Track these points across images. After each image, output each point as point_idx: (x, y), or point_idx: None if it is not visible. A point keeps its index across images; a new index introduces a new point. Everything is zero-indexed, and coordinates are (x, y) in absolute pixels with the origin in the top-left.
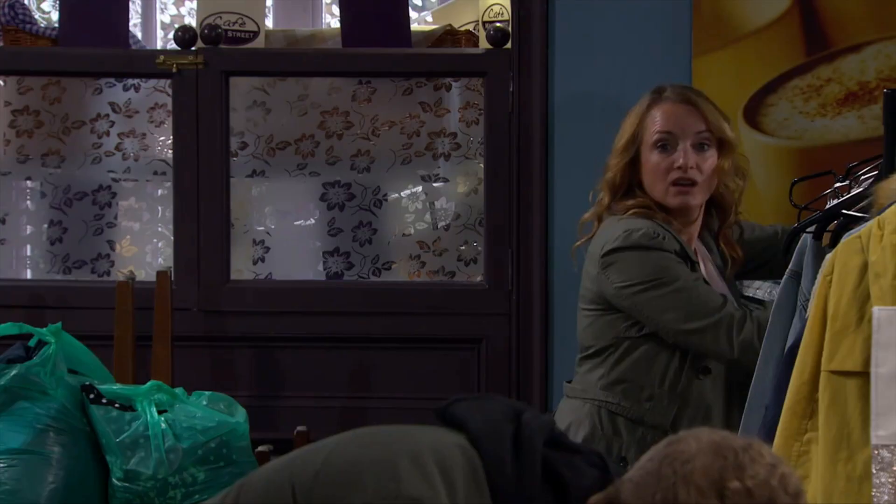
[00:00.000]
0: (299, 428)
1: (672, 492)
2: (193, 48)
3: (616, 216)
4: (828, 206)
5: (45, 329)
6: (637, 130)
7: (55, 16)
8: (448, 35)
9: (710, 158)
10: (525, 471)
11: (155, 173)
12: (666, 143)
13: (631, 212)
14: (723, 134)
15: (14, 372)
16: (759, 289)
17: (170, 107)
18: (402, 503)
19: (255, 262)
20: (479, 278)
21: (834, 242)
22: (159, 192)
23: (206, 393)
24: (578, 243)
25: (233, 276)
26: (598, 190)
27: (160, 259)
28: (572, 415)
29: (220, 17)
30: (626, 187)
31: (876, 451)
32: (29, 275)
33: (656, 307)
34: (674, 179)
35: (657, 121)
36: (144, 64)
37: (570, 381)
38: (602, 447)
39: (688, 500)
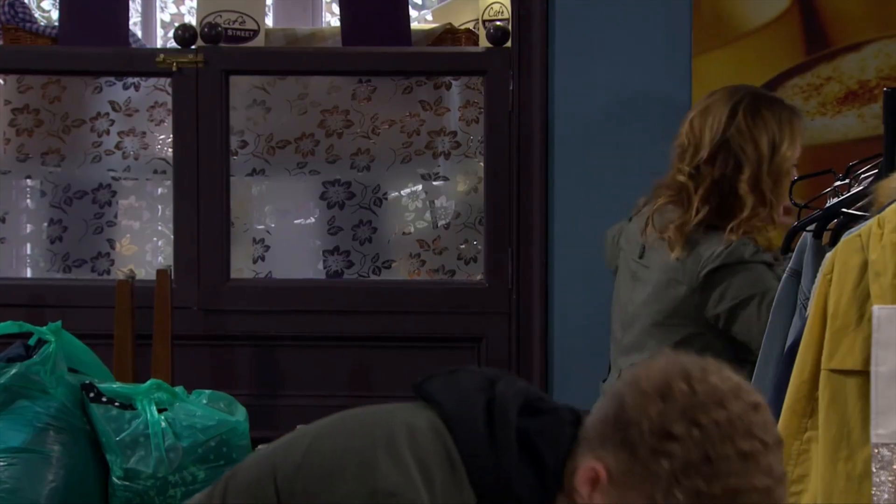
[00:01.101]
0: (299, 427)
1: (620, 400)
2: (193, 47)
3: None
4: (828, 205)
5: (45, 328)
6: (787, 146)
7: (55, 14)
8: (448, 34)
9: None
10: (500, 449)
11: (155, 172)
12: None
13: (745, 228)
14: None
15: (14, 371)
16: None
17: (170, 105)
18: (378, 499)
19: (255, 261)
20: (479, 277)
21: (834, 241)
22: (159, 190)
23: (206, 392)
24: (675, 244)
25: (233, 275)
26: (708, 192)
27: (160, 258)
28: None
29: (220, 16)
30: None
31: (876, 450)
32: (29, 273)
33: (752, 321)
34: (787, 202)
35: (798, 141)
36: (144, 63)
37: (605, 381)
38: None
39: (633, 403)
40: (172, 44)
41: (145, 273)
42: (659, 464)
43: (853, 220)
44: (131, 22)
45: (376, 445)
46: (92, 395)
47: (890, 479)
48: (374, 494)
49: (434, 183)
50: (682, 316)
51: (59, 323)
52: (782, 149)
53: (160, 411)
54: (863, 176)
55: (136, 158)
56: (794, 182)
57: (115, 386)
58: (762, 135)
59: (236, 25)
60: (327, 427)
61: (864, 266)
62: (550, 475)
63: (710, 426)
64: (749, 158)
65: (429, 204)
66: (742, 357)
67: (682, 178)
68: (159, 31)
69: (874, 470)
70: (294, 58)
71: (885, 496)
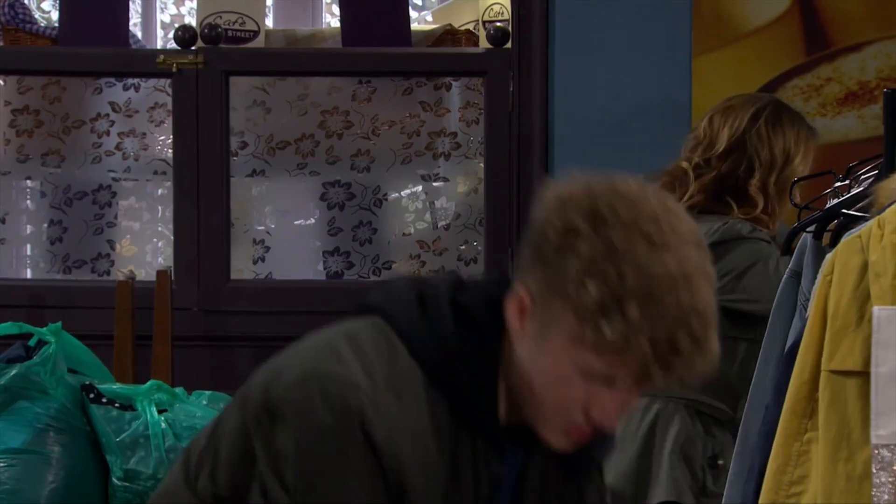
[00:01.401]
0: None
1: (530, 227)
2: (193, 48)
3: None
4: (828, 206)
5: (45, 329)
6: (800, 161)
7: (55, 15)
8: (448, 35)
9: None
10: (434, 318)
11: (155, 173)
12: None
13: (747, 218)
14: None
15: (14, 371)
16: None
17: (170, 106)
18: (310, 383)
19: (255, 262)
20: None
21: (834, 242)
22: (159, 191)
23: (207, 392)
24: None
25: (233, 276)
26: (712, 178)
27: (160, 259)
28: (654, 412)
29: (220, 17)
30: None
31: (876, 451)
32: (29, 274)
33: (762, 283)
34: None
35: (810, 160)
36: (144, 63)
37: None
38: (699, 448)
39: (538, 218)
40: (172, 45)
41: (145, 274)
42: (567, 262)
43: (853, 221)
44: (131, 23)
45: (317, 347)
46: (92, 395)
47: (890, 479)
48: (307, 379)
49: (434, 184)
50: None
51: (59, 324)
52: (795, 161)
53: (160, 412)
54: (863, 177)
55: (136, 159)
56: (794, 183)
57: (115, 387)
58: (779, 143)
59: (236, 26)
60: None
61: (865, 267)
62: (490, 333)
63: (612, 217)
64: (762, 163)
65: (429, 205)
66: (743, 336)
67: (685, 164)
68: (159, 32)
69: (874, 471)
70: (294, 58)
71: (886, 497)
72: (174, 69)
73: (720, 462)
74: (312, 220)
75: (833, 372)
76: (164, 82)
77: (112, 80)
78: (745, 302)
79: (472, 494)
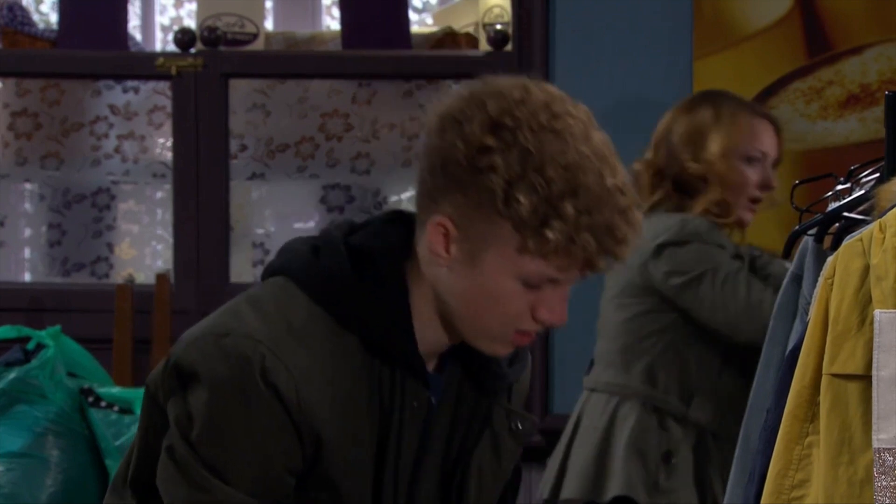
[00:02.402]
0: None
1: (426, 153)
2: (193, 50)
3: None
4: (829, 209)
5: (43, 332)
6: (739, 140)
7: (54, 18)
8: (448, 37)
9: None
10: (329, 264)
11: (154, 176)
12: (756, 160)
13: (699, 210)
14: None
15: (13, 375)
16: None
17: (169, 109)
18: (210, 341)
19: (254, 265)
20: None
21: (835, 245)
22: (158, 194)
23: None
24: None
25: (232, 279)
26: (656, 176)
27: (159, 262)
28: (611, 409)
29: (220, 19)
30: (691, 184)
31: (878, 455)
32: (28, 277)
33: (708, 297)
34: (753, 196)
35: (760, 137)
36: (144, 66)
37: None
38: (652, 443)
39: (438, 143)
40: (172, 47)
41: (145, 277)
42: (487, 180)
43: (854, 225)
44: (130, 25)
45: (218, 312)
46: (91, 399)
47: (892, 484)
48: (207, 337)
49: None
50: (636, 291)
51: (58, 327)
52: (710, 137)
53: None
54: (864, 180)
55: (135, 162)
56: (795, 186)
57: (114, 390)
58: (692, 121)
59: (236, 29)
60: None
61: (866, 270)
62: (386, 269)
63: (514, 124)
64: (677, 144)
65: None
66: (711, 339)
67: (636, 165)
68: (159, 35)
69: (876, 475)
70: (294, 61)
71: (887, 501)
72: (173, 72)
73: (673, 460)
74: (312, 223)
75: (834, 376)
76: (164, 85)
77: (111, 82)
78: (693, 311)
79: (399, 425)
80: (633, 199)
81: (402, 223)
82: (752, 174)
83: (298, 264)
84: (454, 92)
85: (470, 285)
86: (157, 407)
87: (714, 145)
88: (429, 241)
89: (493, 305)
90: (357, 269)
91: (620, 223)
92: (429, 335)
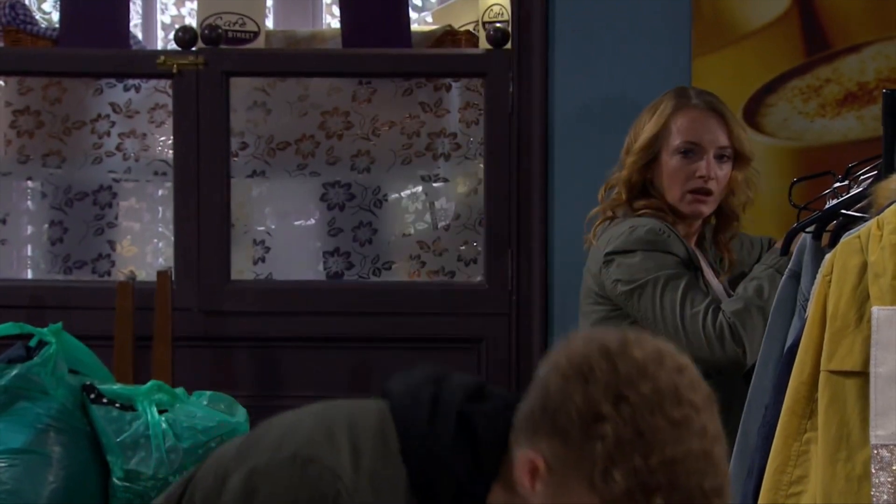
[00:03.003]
0: None
1: (544, 388)
2: (194, 49)
3: (625, 216)
4: (827, 206)
5: (45, 329)
6: (660, 133)
7: (56, 16)
8: (448, 35)
9: (726, 170)
10: (437, 425)
11: (155, 174)
12: (690, 151)
13: (642, 211)
14: (742, 148)
15: (14, 372)
16: None
17: (170, 107)
18: (295, 462)
19: (255, 263)
20: (479, 278)
21: (833, 242)
22: (160, 192)
23: (207, 393)
24: (591, 235)
25: (233, 277)
26: (611, 186)
27: (161, 259)
28: None
29: (221, 18)
30: (640, 185)
31: (875, 451)
32: (29, 275)
33: (648, 307)
34: (692, 188)
35: (684, 128)
36: (145, 64)
37: None
38: None
39: (555, 388)
40: (173, 46)
41: (146, 274)
42: (593, 447)
43: (852, 222)
44: (132, 24)
45: (310, 421)
46: (92, 396)
47: (889, 480)
48: (293, 458)
49: (434, 184)
50: (595, 299)
51: (59, 324)
52: (643, 135)
53: (161, 412)
54: (862, 177)
55: (136, 160)
56: (793, 183)
57: (115, 387)
58: (634, 127)
59: (237, 27)
60: (276, 417)
61: (864, 267)
62: (487, 458)
63: (637, 400)
64: (626, 147)
65: (429, 205)
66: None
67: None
68: (160, 33)
69: (873, 471)
70: (294, 59)
71: (885, 497)
72: (175, 70)
73: None
74: (312, 221)
75: (832, 372)
76: (165, 83)
77: (112, 80)
78: (639, 320)
79: None
80: (726, 500)
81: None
82: (683, 166)
83: (410, 414)
84: (594, 337)
85: None
86: (222, 476)
87: (639, 143)
88: (518, 468)
89: None
90: (454, 449)
91: None
92: None
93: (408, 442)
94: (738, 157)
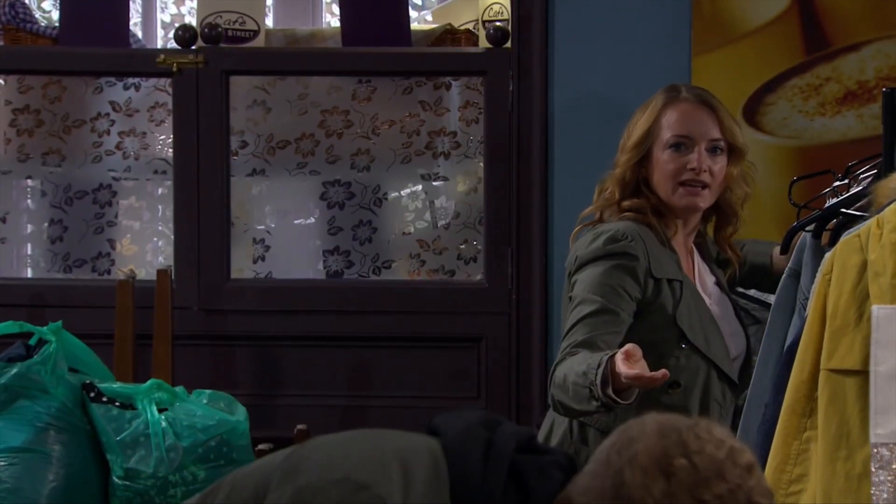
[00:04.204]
0: (299, 426)
1: (619, 477)
2: (194, 47)
3: (611, 218)
4: (827, 205)
5: (45, 328)
6: (651, 129)
7: (56, 15)
8: (448, 34)
9: (721, 163)
10: (489, 476)
11: (155, 172)
12: (681, 145)
13: (625, 213)
14: (735, 140)
15: (15, 370)
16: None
17: (170, 106)
18: (347, 487)
19: (255, 261)
20: (478, 277)
21: (833, 241)
22: (160, 190)
23: (207, 391)
24: (570, 239)
25: (233, 275)
26: (605, 185)
27: (160, 258)
28: (551, 420)
29: (221, 17)
30: (634, 184)
31: (875, 450)
32: (29, 273)
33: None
34: (684, 180)
35: (674, 122)
36: (145, 63)
37: None
38: (581, 458)
39: (634, 482)
40: (173, 44)
41: (146, 273)
42: None
43: (852, 221)
44: (132, 22)
45: (361, 448)
46: (92, 394)
47: (889, 478)
48: (346, 482)
49: (434, 183)
50: (567, 303)
51: (59, 323)
52: (634, 132)
53: (160, 411)
54: (862, 176)
55: (136, 159)
56: (793, 182)
57: (115, 386)
58: (627, 126)
59: (236, 26)
60: (319, 437)
61: (864, 266)
62: None
63: (713, 502)
64: (620, 148)
65: (429, 204)
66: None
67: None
68: (160, 32)
69: (873, 469)
70: (294, 58)
71: (885, 496)
72: (174, 69)
73: None
74: (312, 220)
75: (832, 371)
76: (165, 82)
77: (112, 79)
78: None
79: None
80: None
81: (567, 472)
82: (674, 159)
83: (464, 459)
84: (666, 427)
85: None
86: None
87: (631, 140)
88: None
89: None
90: (507, 497)
91: None
92: None
93: (460, 486)
94: (732, 151)
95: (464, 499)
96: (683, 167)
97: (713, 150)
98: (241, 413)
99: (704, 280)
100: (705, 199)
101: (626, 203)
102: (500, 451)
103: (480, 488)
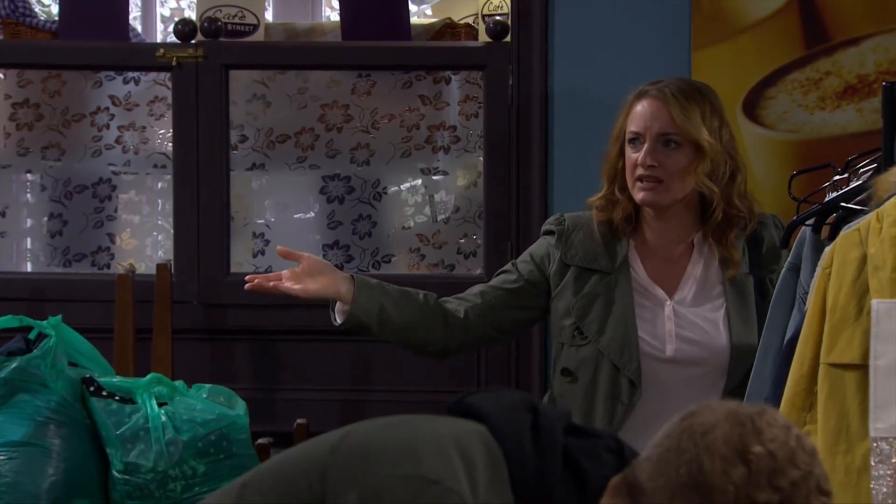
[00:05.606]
0: (299, 421)
1: (696, 464)
2: (193, 41)
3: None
4: (827, 199)
5: (45, 322)
6: (621, 125)
7: (55, 9)
8: (447, 28)
9: (675, 157)
10: (546, 461)
11: (155, 166)
12: (635, 140)
13: (596, 202)
14: (690, 137)
15: (14, 364)
16: None
17: (170, 100)
18: (417, 483)
19: (254, 255)
20: (478, 271)
21: (833, 235)
22: (159, 185)
23: (206, 386)
24: None
25: (233, 269)
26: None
27: (160, 252)
28: None
29: (220, 11)
30: (619, 178)
31: (875, 444)
32: (29, 268)
33: None
34: (638, 175)
35: (632, 118)
36: (144, 57)
37: None
38: None
39: (713, 469)
40: (172, 38)
41: (145, 267)
42: None
43: (852, 215)
44: (131, 16)
45: (420, 436)
46: (92, 388)
47: (888, 472)
48: (415, 478)
49: (434, 177)
50: None
51: (59, 317)
52: (616, 130)
53: (160, 405)
54: (862, 170)
55: (136, 153)
56: (793, 176)
57: (115, 380)
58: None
59: (236, 20)
60: (366, 422)
61: (863, 260)
62: (591, 496)
63: (788, 489)
64: None
65: (428, 198)
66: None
67: None
68: (159, 26)
69: (873, 463)
70: (294, 52)
71: (884, 490)
72: (174, 63)
73: None
74: (312, 214)
75: (832, 365)
76: (164, 76)
77: (112, 73)
78: None
79: None
80: None
81: (618, 455)
82: (631, 155)
83: (515, 439)
84: (734, 414)
85: None
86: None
87: (612, 135)
88: None
89: None
90: (566, 484)
91: None
92: None
93: (520, 475)
94: (695, 147)
95: (522, 484)
96: (635, 162)
97: (666, 143)
98: (240, 407)
99: (699, 280)
100: (662, 194)
101: (600, 193)
102: (552, 436)
103: (541, 481)
